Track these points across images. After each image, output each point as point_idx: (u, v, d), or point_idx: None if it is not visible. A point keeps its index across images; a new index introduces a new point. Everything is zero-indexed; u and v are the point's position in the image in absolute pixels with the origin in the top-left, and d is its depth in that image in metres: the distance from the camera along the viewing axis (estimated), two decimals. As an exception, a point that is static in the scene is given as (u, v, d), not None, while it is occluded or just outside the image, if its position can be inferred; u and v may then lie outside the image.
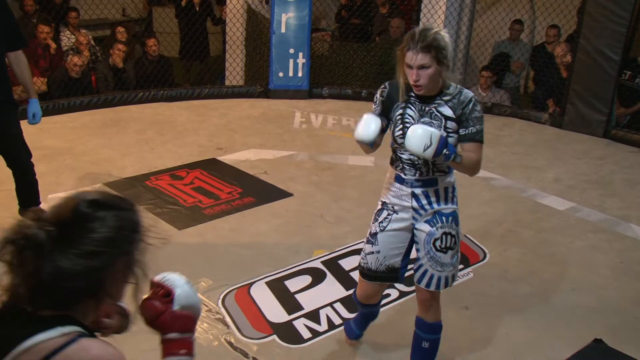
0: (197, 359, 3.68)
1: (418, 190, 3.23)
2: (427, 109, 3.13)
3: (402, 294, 4.33)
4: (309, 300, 4.27)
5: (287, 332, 3.96)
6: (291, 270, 4.58)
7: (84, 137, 6.76)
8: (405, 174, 3.21)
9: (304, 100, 8.16)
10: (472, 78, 9.01)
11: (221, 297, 4.24)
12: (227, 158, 6.44)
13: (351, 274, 4.56)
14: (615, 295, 4.50)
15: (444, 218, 3.24)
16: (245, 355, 3.75)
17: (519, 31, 9.05)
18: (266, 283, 4.43)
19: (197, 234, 5.03)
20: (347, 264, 4.70)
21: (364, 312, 3.72)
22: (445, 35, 3.05)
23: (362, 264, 3.41)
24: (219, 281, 4.41)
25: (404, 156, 3.19)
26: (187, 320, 1.84)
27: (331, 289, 4.41)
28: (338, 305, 4.23)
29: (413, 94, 3.15)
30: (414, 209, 3.25)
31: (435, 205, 3.23)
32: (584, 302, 4.38)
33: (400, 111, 3.18)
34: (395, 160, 3.28)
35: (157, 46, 8.63)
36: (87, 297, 1.64)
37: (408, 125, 3.08)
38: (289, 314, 4.13)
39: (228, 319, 4.04)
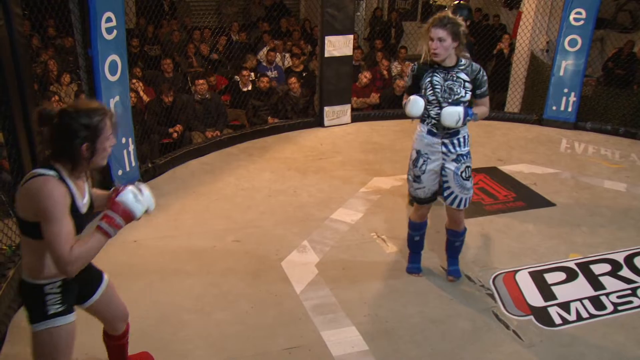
0: (469, 320, 3.48)
1: (446, 140, 3.42)
2: (449, 75, 3.31)
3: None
4: (562, 293, 3.84)
5: (542, 315, 3.60)
6: (550, 266, 4.15)
7: (402, 138, 6.74)
8: (436, 129, 3.40)
9: (569, 130, 7.39)
10: None
11: (492, 277, 3.98)
12: (505, 168, 6.02)
13: (600, 278, 4.02)
14: None
15: (464, 157, 3.46)
16: (507, 327, 3.48)
17: None
18: (529, 272, 4.06)
19: (478, 224, 4.76)
20: (598, 269, 4.13)
21: (415, 239, 3.84)
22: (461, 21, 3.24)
23: (415, 195, 3.64)
24: (492, 264, 4.15)
25: (433, 113, 3.37)
26: (119, 206, 2.13)
27: (581, 287, 3.91)
28: (586, 302, 3.75)
29: (437, 65, 3.31)
30: (443, 153, 3.45)
31: (457, 149, 3.44)
32: None
33: (429, 78, 3.33)
34: (426, 118, 3.42)
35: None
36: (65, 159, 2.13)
37: (438, 92, 3.32)
38: (545, 301, 3.75)
39: (496, 295, 3.78)
